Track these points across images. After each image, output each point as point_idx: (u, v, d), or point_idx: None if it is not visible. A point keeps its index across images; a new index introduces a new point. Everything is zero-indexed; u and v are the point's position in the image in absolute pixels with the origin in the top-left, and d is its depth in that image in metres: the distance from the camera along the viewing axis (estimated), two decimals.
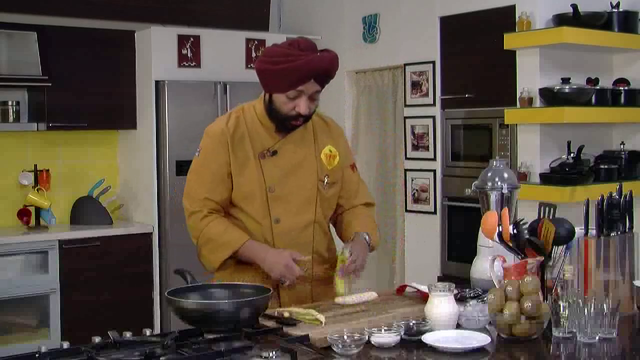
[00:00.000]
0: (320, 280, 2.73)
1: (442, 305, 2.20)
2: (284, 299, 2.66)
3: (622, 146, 4.48)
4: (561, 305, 2.13)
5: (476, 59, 4.73)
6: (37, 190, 5.14)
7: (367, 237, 2.70)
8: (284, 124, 2.63)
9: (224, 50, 5.42)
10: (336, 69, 2.63)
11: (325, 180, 2.71)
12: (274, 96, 2.60)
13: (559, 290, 2.26)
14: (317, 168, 2.71)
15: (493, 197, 2.58)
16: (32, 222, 5.11)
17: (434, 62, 5.00)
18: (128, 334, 2.02)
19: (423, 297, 2.46)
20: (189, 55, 5.27)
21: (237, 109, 2.74)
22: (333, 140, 2.79)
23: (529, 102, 4.26)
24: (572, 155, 4.19)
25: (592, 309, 2.07)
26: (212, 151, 2.65)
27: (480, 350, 2.03)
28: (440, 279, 4.68)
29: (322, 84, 2.59)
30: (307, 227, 2.69)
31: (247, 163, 2.64)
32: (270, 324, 2.24)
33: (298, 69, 2.51)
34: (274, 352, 1.91)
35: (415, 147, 5.14)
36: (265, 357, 1.90)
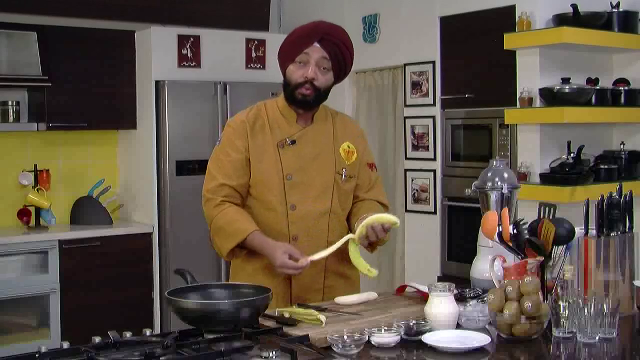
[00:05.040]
0: (334, 272, 2.75)
1: (442, 305, 2.20)
2: (295, 290, 2.69)
3: (622, 146, 4.47)
4: (561, 305, 2.13)
5: (476, 59, 4.73)
6: (37, 190, 5.13)
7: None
8: (295, 95, 2.68)
9: (224, 50, 5.41)
10: (342, 37, 2.70)
11: (343, 173, 2.75)
12: (287, 70, 2.70)
13: (559, 290, 2.26)
14: (335, 160, 2.75)
15: (493, 197, 2.57)
16: (32, 222, 5.11)
17: (434, 62, 5.00)
18: (128, 334, 2.02)
19: (423, 297, 2.46)
20: (189, 55, 5.26)
21: (259, 103, 2.82)
22: (352, 139, 2.83)
23: (529, 102, 4.26)
24: (572, 155, 4.18)
25: (592, 309, 2.07)
26: (231, 139, 2.72)
27: (480, 350, 2.02)
28: (440, 279, 4.68)
29: (329, 51, 2.65)
30: (323, 216, 2.70)
31: (266, 151, 2.70)
32: (270, 324, 2.24)
33: (302, 30, 2.69)
34: (274, 352, 1.91)
35: (415, 147, 5.14)
36: (265, 357, 1.90)
